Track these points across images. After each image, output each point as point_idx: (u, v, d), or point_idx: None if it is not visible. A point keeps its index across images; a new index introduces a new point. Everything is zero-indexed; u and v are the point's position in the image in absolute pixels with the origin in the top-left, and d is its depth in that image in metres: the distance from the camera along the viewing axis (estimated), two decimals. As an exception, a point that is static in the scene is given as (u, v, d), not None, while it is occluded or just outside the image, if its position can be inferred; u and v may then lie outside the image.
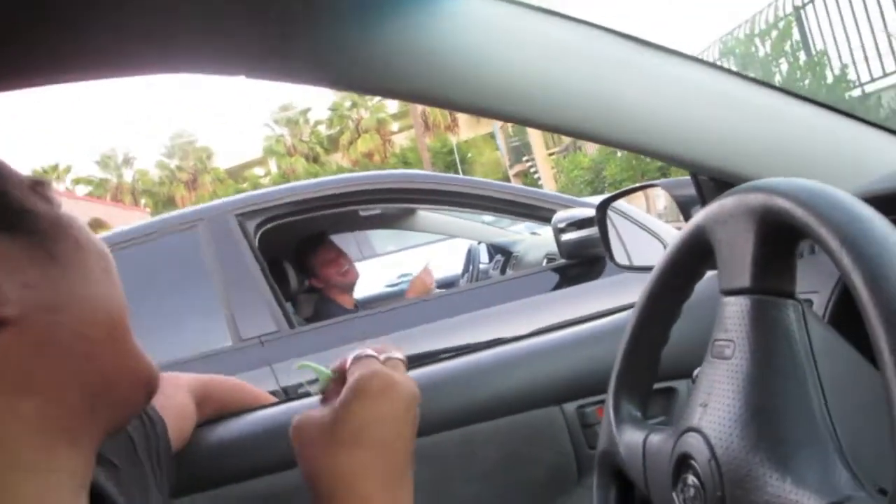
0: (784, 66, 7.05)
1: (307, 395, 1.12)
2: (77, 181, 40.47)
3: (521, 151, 22.91)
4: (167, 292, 2.55)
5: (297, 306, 3.29)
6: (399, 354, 0.64)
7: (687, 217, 1.09)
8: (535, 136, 18.34)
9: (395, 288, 4.97)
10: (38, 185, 0.53)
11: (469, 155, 30.88)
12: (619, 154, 11.13)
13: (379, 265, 5.70)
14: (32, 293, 0.47)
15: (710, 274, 0.68)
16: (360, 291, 4.19)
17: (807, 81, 6.75)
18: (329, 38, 0.74)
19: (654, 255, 2.25)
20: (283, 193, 2.74)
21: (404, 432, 0.59)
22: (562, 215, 2.44)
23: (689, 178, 1.00)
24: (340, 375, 0.62)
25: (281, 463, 0.95)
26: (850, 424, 0.47)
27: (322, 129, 39.68)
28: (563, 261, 2.54)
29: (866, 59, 6.36)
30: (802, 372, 0.49)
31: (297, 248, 3.23)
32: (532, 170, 21.43)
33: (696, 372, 0.64)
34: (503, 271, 3.59)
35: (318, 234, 3.24)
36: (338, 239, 3.37)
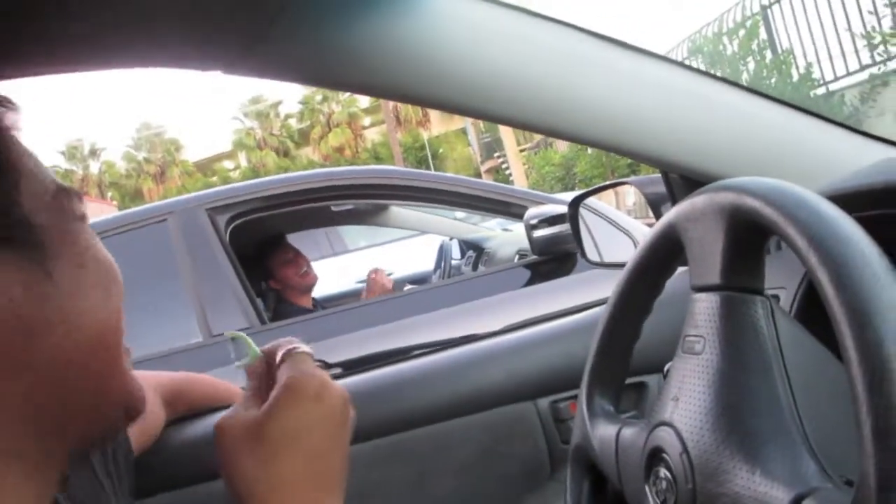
0: (751, 65, 7.15)
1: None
2: (41, 174, 39.56)
3: (492, 147, 22.96)
4: (136, 287, 2.49)
5: (266, 302, 3.27)
6: (307, 349, 0.60)
7: (657, 214, 1.11)
8: (506, 132, 18.38)
9: (366, 284, 4.96)
10: (62, 194, 0.50)
11: (440, 150, 30.87)
12: (589, 151, 11.21)
13: (350, 261, 5.67)
14: (13, 310, 0.45)
15: (680, 270, 0.69)
16: (331, 287, 4.18)
17: (773, 80, 6.86)
18: (307, 35, 0.74)
19: (625, 251, 2.29)
20: (255, 188, 2.72)
21: (339, 438, 0.56)
22: (533, 212, 2.46)
23: (659, 175, 1.02)
24: (268, 361, 0.59)
25: None
26: (817, 417, 0.48)
27: (293, 122, 39.39)
28: (534, 257, 2.55)
29: (830, 58, 6.48)
30: (770, 367, 0.50)
31: (257, 250, 3.20)
32: (503, 166, 21.48)
33: (667, 367, 0.66)
34: (475, 267, 3.61)
35: (277, 235, 3.21)
36: (310, 235, 3.35)
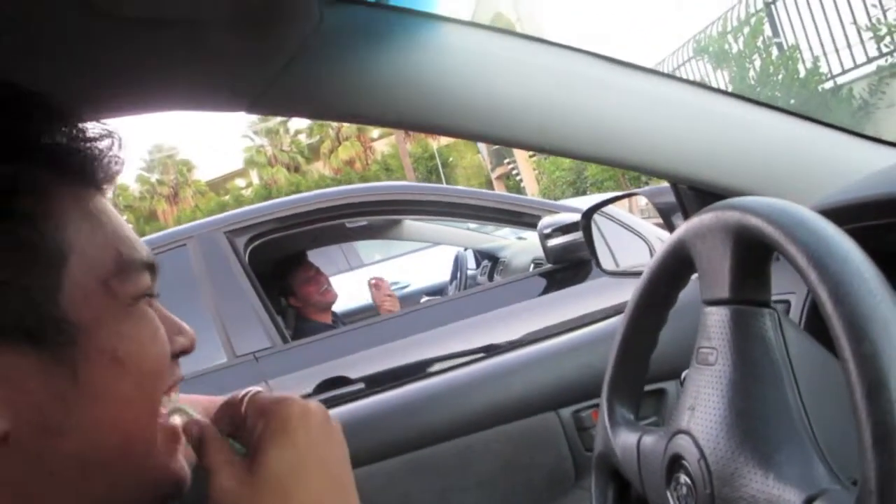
0: (757, 62, 7.14)
1: None
2: (56, 200, 39.91)
3: (502, 154, 22.97)
4: (159, 312, 2.56)
5: (286, 321, 3.31)
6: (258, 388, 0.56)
7: (668, 224, 1.14)
8: (515, 138, 18.36)
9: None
10: (121, 275, 0.49)
11: (450, 159, 30.91)
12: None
13: (366, 275, 5.71)
14: (34, 413, 0.44)
15: (693, 278, 0.72)
16: (348, 302, 4.22)
17: (780, 76, 6.84)
18: (324, 72, 0.78)
19: (640, 254, 2.30)
20: (271, 209, 2.77)
21: (339, 445, 0.52)
22: (547, 221, 2.49)
23: (668, 186, 1.05)
24: (232, 413, 0.54)
25: None
26: (826, 422, 0.51)
27: (302, 138, 39.60)
28: (549, 265, 2.58)
29: (837, 51, 6.46)
30: (780, 376, 0.53)
31: (277, 268, 3.24)
32: (514, 172, 21.50)
33: (684, 374, 0.69)
34: (491, 277, 3.64)
35: (298, 253, 3.25)
36: (325, 251, 3.39)
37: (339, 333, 2.75)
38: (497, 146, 23.09)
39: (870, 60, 6.14)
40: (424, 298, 4.31)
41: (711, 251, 0.59)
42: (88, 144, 0.51)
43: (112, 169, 0.52)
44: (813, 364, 0.54)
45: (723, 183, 0.91)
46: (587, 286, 2.51)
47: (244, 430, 0.52)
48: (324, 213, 2.78)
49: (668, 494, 0.61)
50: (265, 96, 0.78)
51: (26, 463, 0.44)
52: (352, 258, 6.06)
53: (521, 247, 3.59)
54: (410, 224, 3.71)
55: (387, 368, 2.40)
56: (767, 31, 7.09)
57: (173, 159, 40.38)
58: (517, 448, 1.02)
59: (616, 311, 1.14)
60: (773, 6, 7.01)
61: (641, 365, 0.76)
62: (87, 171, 0.51)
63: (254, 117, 39.04)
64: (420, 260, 5.74)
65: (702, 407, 0.58)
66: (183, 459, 0.53)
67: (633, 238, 2.44)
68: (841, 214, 0.67)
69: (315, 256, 3.40)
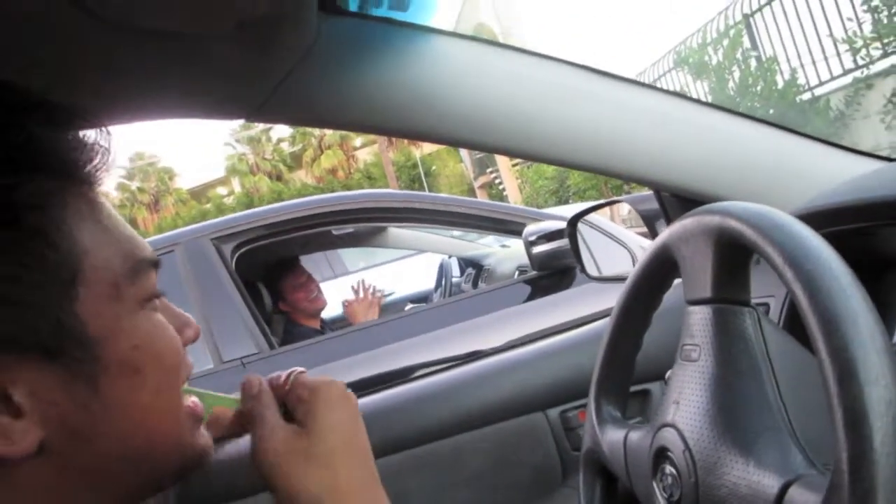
0: (737, 74, 7.25)
1: None
2: (35, 208, 39.47)
3: (485, 163, 23.06)
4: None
5: (271, 327, 3.32)
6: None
7: (651, 229, 1.17)
8: (498, 147, 18.46)
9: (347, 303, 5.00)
10: (132, 274, 0.49)
11: (433, 168, 30.98)
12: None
13: (350, 282, 5.72)
14: (63, 423, 0.45)
15: (676, 283, 0.76)
16: (333, 309, 4.23)
17: (759, 87, 6.95)
18: (324, 82, 0.80)
19: (623, 263, 2.34)
20: (258, 216, 2.79)
21: (362, 432, 0.58)
22: (532, 228, 2.53)
23: (652, 193, 1.08)
24: (275, 390, 0.60)
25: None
26: (803, 413, 0.54)
27: (285, 146, 39.50)
28: (534, 272, 2.62)
29: (814, 63, 6.58)
30: (759, 370, 0.57)
31: (268, 272, 3.25)
32: (497, 181, 21.58)
33: (668, 374, 0.72)
34: (475, 284, 3.67)
35: (291, 258, 3.27)
36: (311, 258, 3.41)
37: (325, 339, 2.76)
38: (480, 155, 23.22)
39: (846, 72, 6.26)
40: (409, 306, 4.34)
41: (694, 253, 0.62)
42: (86, 143, 0.50)
43: (107, 166, 0.51)
44: (790, 360, 0.58)
45: (704, 190, 0.94)
46: (571, 293, 2.55)
47: (287, 402, 0.58)
48: (310, 221, 2.80)
49: (655, 485, 0.64)
50: (266, 105, 0.81)
51: (62, 468, 0.46)
52: (336, 266, 6.07)
53: (504, 254, 3.62)
54: (396, 232, 3.74)
55: (372, 374, 2.42)
56: (746, 43, 7.20)
57: (154, 167, 40.10)
58: (507, 447, 1.04)
59: (601, 315, 1.17)
60: (751, 18, 7.13)
61: (628, 365, 0.80)
62: (87, 170, 0.50)
63: (235, 125, 38.88)
64: (404, 268, 5.76)
65: (686, 401, 0.61)
66: (206, 432, 0.56)
67: (616, 246, 2.48)
68: (816, 219, 0.70)
69: (305, 263, 3.41)
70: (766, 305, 0.88)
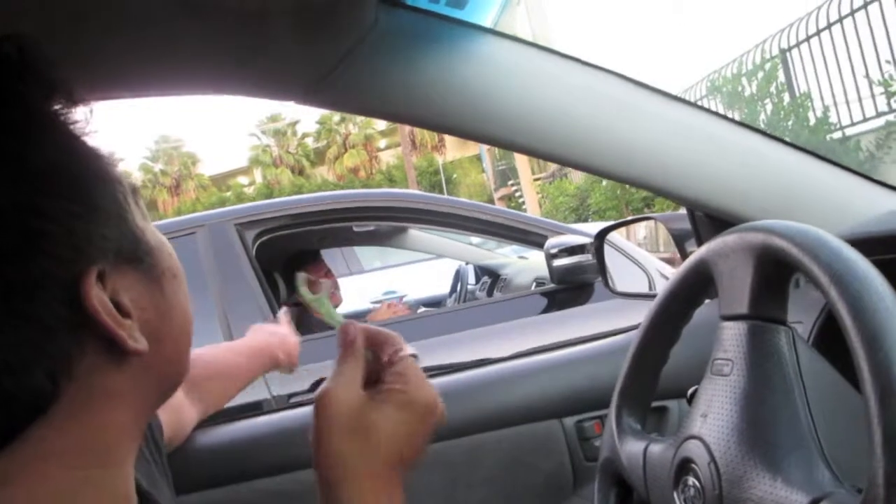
0: (769, 107, 7.23)
1: (300, 404, 1.18)
2: (58, 181, 39.86)
3: (507, 175, 23.08)
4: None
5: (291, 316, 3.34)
6: (414, 351, 0.63)
7: (681, 249, 1.17)
8: (521, 161, 18.51)
9: (379, 304, 5.02)
10: (136, 196, 0.54)
11: (454, 176, 31.06)
12: (603, 183, 11.27)
13: (365, 281, 5.75)
14: (149, 325, 0.50)
15: (706, 303, 0.76)
16: (345, 306, 4.25)
17: (790, 122, 6.92)
18: (374, 72, 0.82)
19: (639, 283, 2.33)
20: (284, 206, 2.80)
21: (423, 449, 0.60)
22: (554, 241, 2.53)
23: (682, 213, 1.08)
24: (373, 348, 0.61)
25: (277, 466, 1.02)
26: (831, 433, 0.54)
27: (309, 141, 39.74)
28: (552, 285, 2.62)
29: (847, 103, 6.55)
30: (791, 388, 0.57)
31: (289, 263, 3.27)
32: (517, 194, 21.59)
33: (690, 391, 0.72)
34: (490, 293, 3.67)
35: (312, 252, 3.29)
36: (326, 253, 3.42)
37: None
38: (502, 167, 23.26)
39: (879, 115, 6.22)
40: (421, 309, 4.35)
41: (733, 269, 0.63)
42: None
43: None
44: (822, 381, 0.58)
45: (738, 212, 0.95)
46: (588, 308, 2.54)
47: (380, 371, 0.60)
48: (334, 215, 2.81)
49: (675, 496, 0.64)
50: (317, 90, 0.82)
51: (143, 368, 0.50)
52: (352, 263, 6.10)
53: (522, 265, 3.63)
54: (415, 234, 3.75)
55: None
56: (781, 77, 7.18)
57: (178, 151, 40.44)
58: (522, 451, 1.05)
59: (622, 331, 1.17)
60: (788, 53, 7.11)
61: (653, 377, 0.80)
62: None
63: (262, 116, 39.17)
64: (420, 271, 5.77)
65: (714, 414, 0.62)
66: None
67: (633, 266, 2.48)
68: (859, 245, 0.71)
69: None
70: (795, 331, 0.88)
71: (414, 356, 0.62)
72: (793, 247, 0.54)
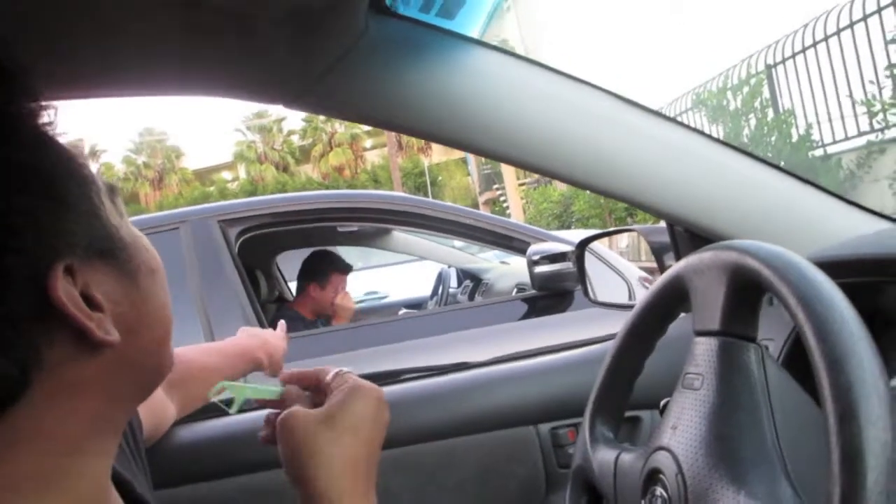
0: (752, 122, 7.31)
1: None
2: (38, 170, 39.41)
3: (492, 179, 23.14)
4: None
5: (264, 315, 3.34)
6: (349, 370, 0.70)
7: (660, 262, 1.19)
8: (506, 165, 18.57)
9: (361, 304, 5.03)
10: (113, 194, 0.55)
11: (440, 178, 31.07)
12: (588, 192, 11.31)
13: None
14: (123, 318, 0.51)
15: (681, 316, 0.78)
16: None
17: (773, 138, 7.01)
18: (363, 79, 0.83)
19: (619, 292, 2.34)
20: (268, 204, 2.80)
21: (381, 436, 0.65)
22: (536, 248, 2.55)
23: (663, 226, 1.10)
24: (316, 380, 0.68)
25: (258, 463, 1.03)
26: (795, 450, 0.56)
27: (295, 139, 39.60)
28: (533, 292, 2.64)
29: (830, 121, 6.65)
30: (758, 405, 0.59)
31: (312, 260, 3.30)
32: (501, 198, 21.66)
33: (663, 402, 0.74)
34: (471, 297, 3.68)
35: (346, 264, 3.32)
36: (307, 253, 3.42)
37: (318, 334, 2.78)
38: (487, 171, 23.32)
39: (861, 134, 6.32)
40: (402, 310, 4.35)
41: (707, 286, 0.64)
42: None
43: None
44: (789, 398, 0.60)
45: (717, 229, 0.97)
46: (567, 316, 2.56)
47: (322, 393, 0.66)
48: (318, 214, 2.81)
49: (643, 505, 0.66)
50: (306, 95, 0.83)
51: (115, 359, 0.51)
52: (334, 263, 6.07)
53: (503, 271, 3.65)
54: (398, 235, 3.76)
55: (362, 373, 2.43)
56: (766, 93, 7.26)
57: (162, 144, 40.16)
58: (495, 456, 1.06)
59: (600, 340, 1.19)
60: (774, 69, 7.20)
61: (626, 388, 0.81)
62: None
63: (248, 112, 38.94)
64: (402, 272, 5.78)
65: (683, 427, 0.63)
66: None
67: (613, 275, 2.50)
68: (829, 269, 0.72)
69: (298, 257, 3.43)
70: (765, 348, 0.90)
71: (350, 372, 0.68)
72: (764, 268, 0.56)
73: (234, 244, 2.67)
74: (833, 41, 6.40)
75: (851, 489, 0.42)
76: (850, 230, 0.96)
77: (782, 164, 6.65)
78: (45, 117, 0.51)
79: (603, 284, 1.88)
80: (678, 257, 1.07)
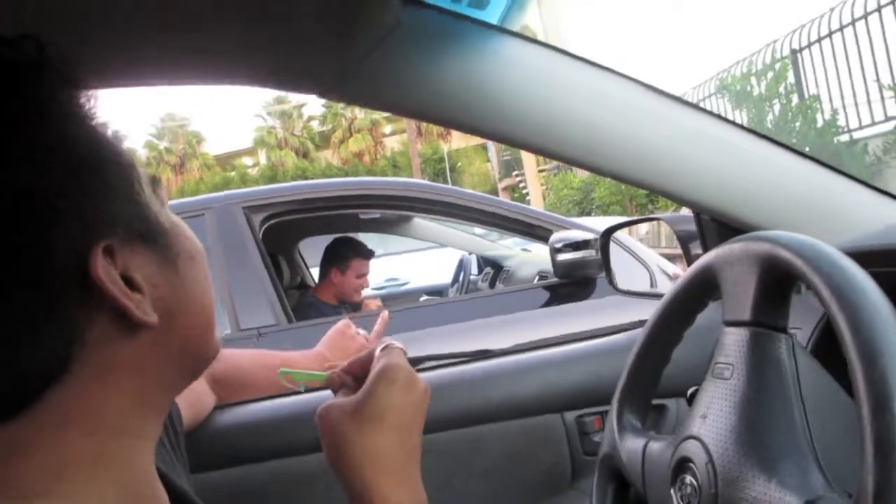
0: (777, 107, 7.22)
1: (315, 389, 1.21)
2: (62, 156, 39.81)
3: (511, 165, 23.05)
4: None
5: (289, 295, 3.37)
6: (401, 345, 0.69)
7: (686, 251, 1.19)
8: (526, 152, 18.48)
9: (382, 291, 5.06)
10: (155, 184, 0.57)
11: (459, 164, 31.02)
12: (608, 178, 11.24)
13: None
14: (158, 296, 0.52)
15: (710, 306, 0.78)
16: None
17: (798, 123, 6.92)
18: (395, 70, 0.83)
19: (641, 280, 2.34)
20: (291, 190, 2.83)
21: (419, 421, 0.64)
22: (559, 236, 2.55)
23: (689, 214, 1.10)
24: (365, 360, 0.68)
25: (292, 448, 1.04)
26: (826, 439, 0.57)
27: (315, 124, 39.65)
28: (554, 279, 2.64)
29: (856, 106, 6.55)
30: (789, 394, 0.59)
31: (335, 246, 3.32)
32: (521, 184, 21.58)
33: (690, 391, 0.74)
34: (492, 284, 3.69)
35: (368, 249, 3.34)
36: (328, 239, 3.44)
37: (342, 319, 2.80)
38: (507, 157, 23.22)
39: (888, 119, 6.22)
40: (423, 297, 4.37)
41: (738, 276, 0.65)
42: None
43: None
44: (819, 388, 0.60)
45: (745, 218, 0.96)
46: (590, 304, 2.57)
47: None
48: (341, 201, 2.84)
49: (672, 493, 0.67)
50: (338, 84, 0.84)
51: (157, 342, 0.53)
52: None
53: (525, 258, 3.65)
54: (420, 222, 3.77)
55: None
56: (791, 78, 7.16)
57: (184, 129, 40.38)
58: (522, 444, 1.07)
59: (626, 328, 1.19)
60: (799, 54, 7.09)
61: (654, 377, 0.82)
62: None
63: (268, 98, 39.03)
64: (423, 259, 5.79)
65: (713, 416, 0.64)
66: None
67: (635, 263, 2.50)
68: (859, 258, 0.73)
69: (320, 243, 3.46)
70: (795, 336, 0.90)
71: (400, 348, 0.67)
72: (796, 258, 0.56)
73: (259, 230, 2.70)
74: (860, 25, 6.29)
75: (885, 480, 0.43)
76: (879, 218, 0.95)
77: (807, 149, 6.57)
78: (90, 106, 0.53)
79: (625, 272, 1.88)
80: (705, 246, 1.07)
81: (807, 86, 7.12)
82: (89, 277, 0.48)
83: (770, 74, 7.23)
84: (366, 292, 4.57)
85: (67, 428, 0.49)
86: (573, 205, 13.74)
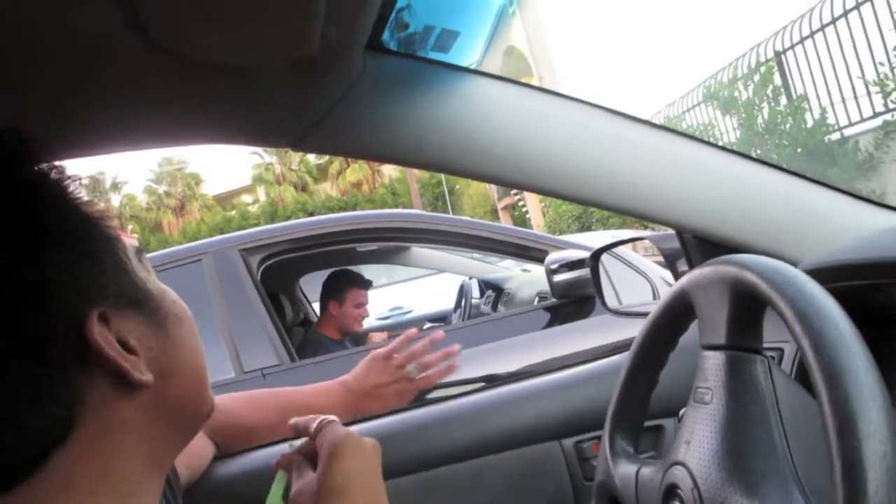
0: (766, 110, 7.24)
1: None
2: (63, 206, 39.94)
3: (509, 185, 23.02)
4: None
5: (290, 338, 3.37)
6: (333, 417, 0.72)
7: (673, 268, 1.20)
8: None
9: (387, 321, 5.07)
10: (140, 253, 0.61)
11: (457, 187, 31.06)
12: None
13: (371, 297, 5.77)
14: (156, 362, 0.56)
15: (693, 325, 0.79)
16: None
17: (787, 125, 6.94)
18: (366, 116, 0.85)
19: (643, 293, 2.34)
20: (286, 230, 2.84)
21: (379, 480, 0.67)
22: (554, 257, 2.56)
23: (673, 232, 1.11)
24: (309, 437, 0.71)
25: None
26: (806, 459, 0.57)
27: (311, 158, 39.81)
28: (554, 300, 2.65)
29: (844, 103, 6.56)
30: (768, 416, 0.60)
31: (334, 276, 3.33)
32: (520, 203, 21.61)
33: (681, 412, 0.75)
34: (494, 307, 3.69)
35: (365, 279, 3.36)
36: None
37: (347, 355, 2.80)
38: (504, 177, 23.24)
39: (876, 115, 6.24)
40: (427, 325, 4.37)
41: (711, 301, 0.66)
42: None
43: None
44: (798, 408, 0.61)
45: (725, 235, 0.97)
46: (590, 322, 2.57)
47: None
48: (336, 237, 2.86)
49: (664, 519, 0.67)
50: (310, 136, 0.86)
51: (153, 403, 0.56)
52: (358, 280, 6.11)
53: (525, 279, 3.65)
54: (418, 251, 3.79)
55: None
56: (777, 80, 7.19)
57: (182, 172, 40.56)
58: (523, 473, 1.07)
59: (619, 348, 1.20)
60: (783, 55, 7.14)
61: (642, 402, 0.83)
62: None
63: (264, 135, 39.16)
64: (424, 286, 5.80)
65: (697, 441, 0.64)
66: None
67: (637, 277, 2.50)
68: (830, 273, 0.74)
69: (321, 277, 3.47)
70: (781, 350, 0.90)
71: (333, 420, 0.71)
72: (762, 282, 0.57)
73: (256, 271, 2.72)
74: (841, 23, 6.33)
75: (853, 501, 0.43)
76: (862, 226, 0.95)
77: (798, 150, 6.58)
78: (72, 188, 0.56)
79: (628, 286, 1.88)
80: (690, 264, 1.08)
81: (794, 86, 7.15)
82: (87, 343, 0.51)
83: (756, 78, 7.27)
84: (371, 323, 4.58)
85: (72, 489, 0.51)
86: (573, 220, 13.74)
